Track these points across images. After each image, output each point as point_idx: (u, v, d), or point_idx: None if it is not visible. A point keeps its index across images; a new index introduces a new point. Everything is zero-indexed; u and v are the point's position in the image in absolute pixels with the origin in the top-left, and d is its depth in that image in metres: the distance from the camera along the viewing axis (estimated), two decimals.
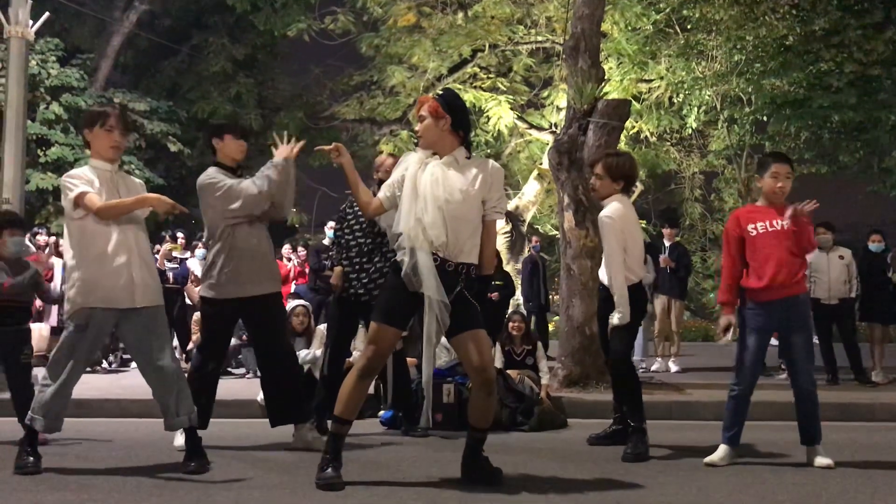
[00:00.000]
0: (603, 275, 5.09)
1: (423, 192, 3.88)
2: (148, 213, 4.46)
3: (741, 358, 4.62)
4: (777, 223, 4.56)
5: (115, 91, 16.09)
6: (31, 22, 8.41)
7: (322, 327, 6.67)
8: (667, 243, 10.05)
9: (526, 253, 14.96)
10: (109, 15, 17.09)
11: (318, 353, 6.52)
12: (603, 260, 5.06)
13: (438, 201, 3.84)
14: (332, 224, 9.49)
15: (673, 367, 9.84)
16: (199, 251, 10.27)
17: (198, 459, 4.25)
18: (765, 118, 12.62)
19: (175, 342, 10.12)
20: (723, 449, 4.60)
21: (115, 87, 16.65)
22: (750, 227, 4.61)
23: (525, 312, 8.79)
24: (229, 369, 8.99)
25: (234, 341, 7.97)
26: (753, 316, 4.60)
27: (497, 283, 8.93)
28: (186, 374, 4.61)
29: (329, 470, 3.85)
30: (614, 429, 5.23)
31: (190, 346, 9.17)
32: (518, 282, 12.03)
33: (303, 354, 6.41)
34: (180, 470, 4.19)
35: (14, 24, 8.28)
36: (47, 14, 8.91)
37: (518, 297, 11.66)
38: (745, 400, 4.64)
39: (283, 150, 4.82)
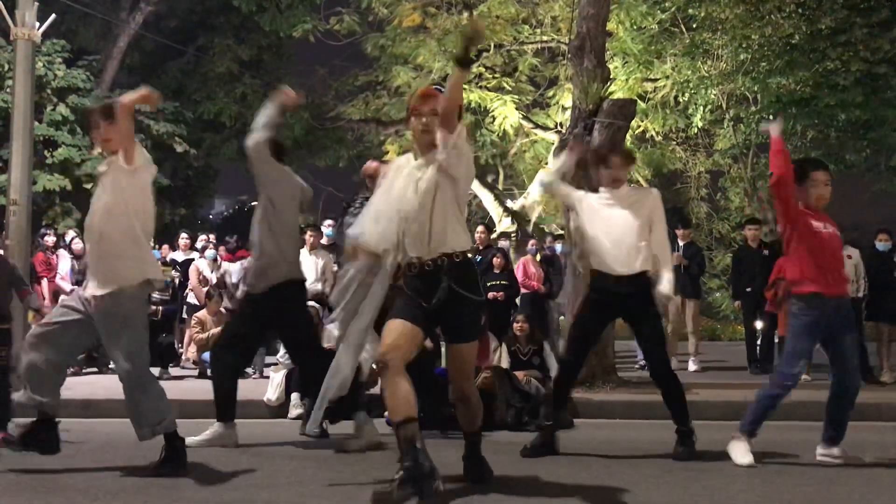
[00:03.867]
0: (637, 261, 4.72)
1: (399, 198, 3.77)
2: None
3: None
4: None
5: (121, 92, 16.08)
6: (37, 24, 8.44)
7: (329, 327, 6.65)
8: (681, 243, 9.97)
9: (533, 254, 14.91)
10: (115, 16, 17.13)
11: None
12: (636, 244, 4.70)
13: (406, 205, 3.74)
14: (329, 222, 8.68)
15: (692, 366, 9.78)
16: (210, 252, 10.17)
17: (171, 464, 4.14)
18: (771, 117, 12.56)
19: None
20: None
21: (121, 87, 16.68)
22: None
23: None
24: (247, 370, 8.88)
25: None
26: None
27: (502, 282, 8.92)
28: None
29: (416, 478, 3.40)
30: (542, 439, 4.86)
31: (190, 354, 9.01)
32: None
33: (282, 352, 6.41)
34: (149, 470, 4.15)
35: (21, 25, 8.31)
36: (53, 16, 8.93)
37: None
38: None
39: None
